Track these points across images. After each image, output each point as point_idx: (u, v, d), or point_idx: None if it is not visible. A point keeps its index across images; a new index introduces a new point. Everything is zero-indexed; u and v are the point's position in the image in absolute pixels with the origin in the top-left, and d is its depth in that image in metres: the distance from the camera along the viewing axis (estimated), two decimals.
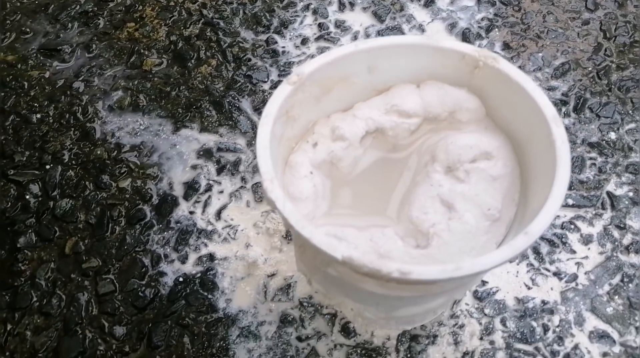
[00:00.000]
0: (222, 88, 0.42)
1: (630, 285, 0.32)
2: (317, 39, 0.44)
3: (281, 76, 0.43)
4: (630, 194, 0.35)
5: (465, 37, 0.44)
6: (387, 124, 0.25)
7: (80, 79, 0.43)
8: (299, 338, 0.32)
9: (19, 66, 0.45)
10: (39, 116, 0.41)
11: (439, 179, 0.23)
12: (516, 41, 0.43)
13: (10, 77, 0.44)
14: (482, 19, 0.45)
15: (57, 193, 0.38)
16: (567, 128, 0.38)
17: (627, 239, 0.33)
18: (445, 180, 0.23)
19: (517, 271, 0.33)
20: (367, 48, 0.24)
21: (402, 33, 0.45)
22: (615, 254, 0.33)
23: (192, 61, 0.43)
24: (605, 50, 0.41)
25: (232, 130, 0.40)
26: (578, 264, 0.33)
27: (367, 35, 0.45)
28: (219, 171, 0.38)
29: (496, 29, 0.44)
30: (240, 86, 0.42)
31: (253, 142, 0.39)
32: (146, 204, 0.37)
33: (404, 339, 0.31)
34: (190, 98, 0.41)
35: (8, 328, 0.33)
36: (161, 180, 0.38)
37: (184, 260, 0.35)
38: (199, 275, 0.34)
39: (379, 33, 0.45)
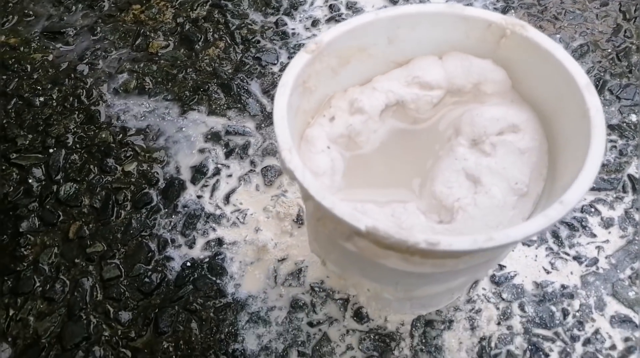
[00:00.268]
0: (230, 71, 0.41)
1: None
2: (328, 20, 0.43)
3: (291, 58, 0.42)
4: None
5: None
6: (408, 96, 0.24)
7: (85, 62, 0.42)
8: (310, 324, 0.31)
9: (22, 49, 0.44)
10: (42, 99, 0.40)
11: (464, 153, 0.22)
12: (533, 23, 0.42)
13: (13, 60, 0.43)
14: (498, 0, 0.44)
15: (60, 177, 0.37)
16: None
17: None
18: (470, 154, 0.22)
19: (536, 256, 0.32)
20: (388, 16, 0.23)
21: None
22: (637, 238, 0.32)
23: (200, 43, 0.42)
24: (625, 31, 0.40)
25: (240, 113, 0.39)
26: (599, 248, 0.32)
27: None
28: (228, 155, 0.37)
29: (512, 11, 0.43)
30: (249, 69, 0.41)
31: (262, 125, 0.38)
32: (152, 188, 0.36)
33: (418, 324, 0.30)
34: (197, 81, 0.40)
35: (11, 314, 0.32)
36: (168, 164, 0.37)
37: (191, 244, 0.34)
38: (207, 259, 0.33)
39: None
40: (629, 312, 0.30)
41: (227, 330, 0.31)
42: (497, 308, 0.30)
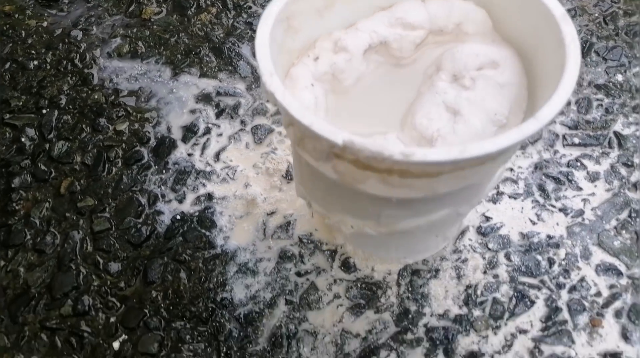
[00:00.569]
0: (222, 35, 0.41)
1: (638, 219, 0.31)
2: None
3: None
4: (638, 133, 0.34)
5: None
6: (391, 37, 0.24)
7: (79, 27, 0.43)
8: (298, 274, 0.31)
9: (17, 16, 0.44)
10: (36, 62, 0.41)
11: (444, 87, 0.23)
12: None
13: (7, 26, 0.43)
14: None
15: (53, 136, 0.37)
16: None
17: (635, 176, 0.33)
18: (450, 88, 0.23)
19: (522, 208, 0.32)
20: None
21: None
22: (622, 191, 0.32)
23: (192, 9, 0.43)
24: None
25: (231, 75, 0.39)
26: (584, 200, 0.32)
27: None
28: (218, 115, 0.37)
29: None
30: (240, 33, 0.41)
31: (253, 86, 0.38)
32: (143, 146, 0.36)
33: (405, 273, 0.31)
34: (189, 45, 0.41)
35: (1, 265, 0.32)
36: (159, 124, 0.37)
37: (181, 199, 0.34)
38: (196, 213, 0.33)
39: None
40: (614, 260, 0.30)
41: (215, 280, 0.31)
42: (483, 258, 0.31)
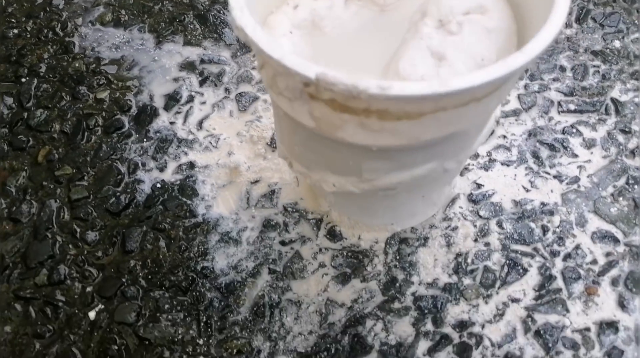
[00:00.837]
0: (207, 2, 0.40)
1: (636, 186, 0.30)
2: None
3: None
4: (636, 100, 0.33)
5: None
6: None
7: None
8: (282, 243, 0.30)
9: None
10: (16, 31, 0.39)
11: (429, 33, 0.21)
12: None
13: None
14: None
15: (32, 104, 0.36)
16: (568, 38, 0.36)
17: (633, 143, 0.31)
18: (435, 33, 0.21)
19: (515, 175, 0.31)
20: None
21: None
22: (620, 157, 0.31)
23: None
24: None
25: (216, 43, 0.38)
26: (580, 167, 0.31)
27: None
28: (202, 83, 0.36)
29: None
30: (226, 0, 0.40)
31: (238, 54, 0.37)
32: (124, 114, 0.35)
33: (392, 242, 0.29)
34: (173, 13, 0.39)
35: None
36: (141, 92, 0.36)
37: (162, 168, 0.33)
38: (178, 182, 0.32)
39: None
40: (610, 228, 0.29)
41: (196, 249, 0.30)
42: (474, 226, 0.29)
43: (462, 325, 0.27)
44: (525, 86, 0.34)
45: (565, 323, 0.26)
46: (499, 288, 0.28)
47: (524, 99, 0.34)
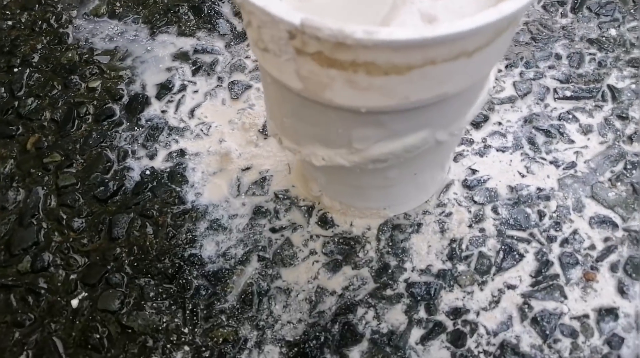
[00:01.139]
0: None
1: (634, 171, 0.29)
2: None
3: None
4: (633, 86, 0.32)
5: None
6: None
7: None
8: (273, 230, 0.29)
9: None
10: (10, 22, 0.39)
11: None
12: None
13: None
14: None
15: (23, 93, 0.36)
16: (564, 27, 0.36)
17: (630, 129, 0.31)
18: None
19: (510, 161, 0.30)
20: None
21: None
22: (617, 143, 0.30)
23: None
24: None
25: (210, 33, 0.38)
26: (577, 153, 0.30)
27: None
28: (195, 72, 0.36)
29: None
30: None
31: (232, 44, 0.37)
32: (115, 103, 0.35)
33: (385, 228, 0.29)
34: (168, 4, 0.39)
35: None
36: (133, 82, 0.36)
37: (152, 156, 0.32)
38: (168, 169, 0.32)
39: None
40: (609, 213, 0.28)
41: (184, 236, 0.29)
42: (469, 211, 0.29)
43: (456, 313, 0.26)
44: (521, 74, 0.34)
45: (563, 310, 0.25)
46: (494, 274, 0.27)
47: (519, 86, 0.33)
